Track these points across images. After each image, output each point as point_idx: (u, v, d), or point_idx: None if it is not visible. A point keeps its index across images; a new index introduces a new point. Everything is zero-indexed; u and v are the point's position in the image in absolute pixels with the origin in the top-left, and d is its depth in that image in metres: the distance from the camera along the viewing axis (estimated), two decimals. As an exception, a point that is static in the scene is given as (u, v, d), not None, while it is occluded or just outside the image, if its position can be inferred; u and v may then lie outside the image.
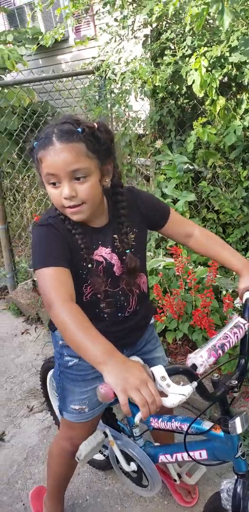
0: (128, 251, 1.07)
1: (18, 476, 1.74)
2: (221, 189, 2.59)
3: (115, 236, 1.07)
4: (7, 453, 1.86)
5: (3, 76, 4.21)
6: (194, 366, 0.89)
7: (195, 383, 0.86)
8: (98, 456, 1.62)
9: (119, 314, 1.12)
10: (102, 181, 1.01)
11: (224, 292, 2.16)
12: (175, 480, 1.40)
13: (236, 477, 1.01)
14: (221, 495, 1.04)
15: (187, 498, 1.53)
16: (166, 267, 2.32)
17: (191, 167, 2.67)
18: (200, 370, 0.88)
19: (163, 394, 0.80)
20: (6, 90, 3.42)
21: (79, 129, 0.94)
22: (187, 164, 2.60)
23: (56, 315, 0.90)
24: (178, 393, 0.81)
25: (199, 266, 2.38)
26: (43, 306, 2.73)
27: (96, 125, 0.97)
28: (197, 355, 0.89)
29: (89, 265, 1.03)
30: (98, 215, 1.06)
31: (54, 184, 0.96)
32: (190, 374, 0.88)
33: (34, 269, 0.98)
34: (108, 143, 0.99)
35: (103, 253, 1.06)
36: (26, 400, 2.15)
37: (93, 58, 2.80)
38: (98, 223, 1.07)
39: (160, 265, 2.33)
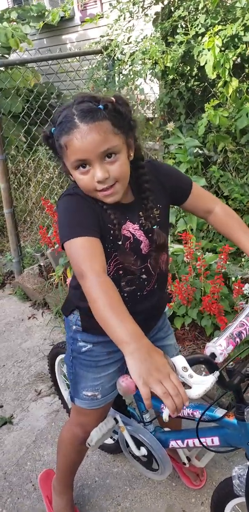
0: (154, 227, 1.04)
1: (27, 458, 1.76)
2: (231, 174, 2.54)
3: (140, 213, 1.03)
4: (15, 436, 1.87)
5: (7, 56, 4.11)
6: (213, 355, 0.88)
7: (217, 373, 0.85)
8: (108, 440, 1.63)
9: (139, 293, 1.08)
10: (129, 156, 0.97)
11: (233, 279, 2.14)
12: (184, 464, 1.40)
13: (248, 463, 1.00)
14: (233, 481, 1.04)
15: (195, 481, 1.54)
16: (175, 253, 2.30)
17: (200, 152, 2.62)
18: (220, 359, 0.87)
19: (185, 386, 0.78)
20: (10, 71, 3.35)
21: (101, 106, 0.90)
22: (197, 149, 2.55)
23: (88, 287, 0.85)
24: (201, 383, 0.79)
25: (207, 253, 2.36)
26: (50, 291, 2.72)
27: (114, 99, 0.93)
28: (215, 344, 0.88)
29: (119, 242, 0.99)
30: (124, 193, 1.01)
31: (84, 167, 0.91)
32: (209, 363, 0.87)
33: (63, 242, 0.93)
34: (129, 115, 0.95)
35: (130, 228, 1.02)
36: (34, 384, 2.15)
37: (102, 36, 2.72)
38: (125, 199, 1.02)
39: (169, 251, 2.30)
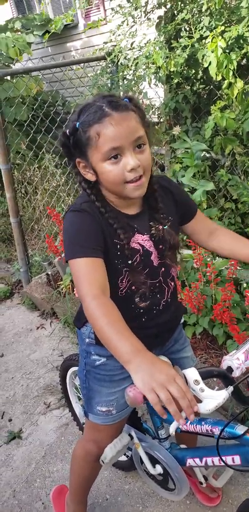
0: (165, 227, 1.02)
1: (37, 475, 1.72)
2: (240, 177, 2.49)
3: (151, 223, 1.02)
4: (24, 451, 1.84)
5: (12, 66, 4.13)
6: (230, 369, 0.84)
7: (231, 388, 0.81)
8: (121, 457, 1.58)
9: (154, 307, 1.07)
10: None
11: (244, 285, 2.08)
12: (201, 483, 1.34)
13: None
14: None
15: (211, 494, 1.49)
16: (184, 259, 2.25)
17: (208, 155, 2.57)
18: (236, 373, 0.83)
19: (196, 399, 0.75)
20: (13, 81, 3.36)
21: (127, 99, 0.93)
22: (204, 152, 2.50)
23: (88, 309, 0.86)
24: (213, 398, 0.75)
25: (218, 258, 2.31)
26: (58, 300, 2.70)
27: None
28: (233, 357, 0.84)
29: (129, 261, 0.97)
30: (133, 203, 1.01)
31: (115, 157, 0.91)
32: (225, 377, 0.83)
33: (66, 259, 0.94)
34: (145, 115, 0.98)
35: (140, 240, 1.00)
36: (43, 396, 2.12)
37: (105, 43, 2.70)
38: (133, 210, 1.02)
39: (177, 258, 2.26)
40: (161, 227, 1.02)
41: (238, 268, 2.02)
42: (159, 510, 1.52)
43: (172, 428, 0.73)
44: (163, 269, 1.05)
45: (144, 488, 1.59)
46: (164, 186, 1.08)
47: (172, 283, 1.09)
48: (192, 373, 0.77)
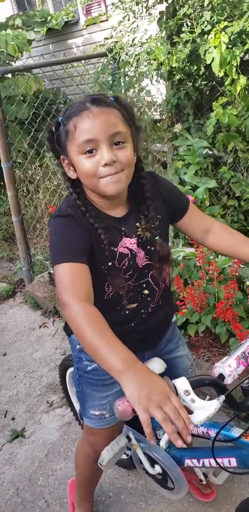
0: (157, 237, 1.00)
1: (40, 473, 1.73)
2: (242, 174, 2.47)
3: (137, 224, 0.99)
4: (27, 450, 1.84)
5: (13, 63, 4.11)
6: (222, 376, 0.81)
7: (222, 398, 0.78)
8: (122, 456, 1.58)
9: (143, 311, 1.04)
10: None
11: (247, 283, 2.07)
12: (201, 480, 1.35)
13: None
14: None
15: (205, 490, 1.48)
16: (186, 257, 2.24)
17: (210, 152, 2.55)
18: (228, 381, 0.81)
19: (187, 410, 0.73)
20: (13, 78, 3.34)
21: (112, 98, 0.92)
22: (206, 149, 2.48)
23: (71, 316, 0.82)
24: (204, 409, 0.73)
25: (220, 256, 2.29)
26: (60, 299, 2.70)
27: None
28: (224, 364, 0.82)
29: (110, 263, 0.95)
30: (119, 203, 0.99)
31: (90, 152, 0.89)
32: (217, 385, 0.81)
33: (52, 265, 0.92)
34: (134, 118, 0.96)
35: (128, 244, 0.98)
36: (45, 395, 2.13)
37: (106, 39, 2.68)
38: (120, 212, 0.99)
39: (179, 256, 2.25)
40: (147, 228, 0.99)
41: (241, 266, 2.00)
42: (162, 508, 1.51)
43: (162, 442, 0.72)
44: (152, 270, 1.02)
45: (147, 486, 1.59)
46: (153, 184, 1.04)
47: (163, 284, 1.06)
48: (182, 383, 0.75)
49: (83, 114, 0.88)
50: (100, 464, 1.16)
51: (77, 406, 1.78)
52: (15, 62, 4.17)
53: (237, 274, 1.97)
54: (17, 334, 2.66)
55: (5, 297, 3.07)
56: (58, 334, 2.56)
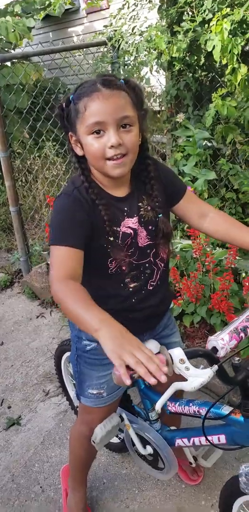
0: (160, 215, 1.03)
1: (35, 460, 1.75)
2: (241, 167, 2.46)
3: (140, 204, 1.03)
4: (23, 437, 1.86)
5: (11, 51, 4.06)
6: (215, 349, 0.85)
7: (215, 367, 0.82)
8: (114, 439, 1.62)
9: (144, 288, 1.08)
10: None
11: (243, 275, 2.08)
12: (191, 463, 1.38)
13: None
14: (240, 479, 1.02)
15: (192, 476, 1.53)
16: (183, 249, 2.24)
17: (209, 144, 2.54)
18: (221, 354, 0.85)
19: (182, 378, 0.77)
20: (12, 66, 3.31)
21: (122, 80, 0.94)
22: (205, 141, 2.47)
23: (55, 292, 0.89)
24: (197, 376, 0.76)
25: (218, 248, 2.30)
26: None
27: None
28: (217, 337, 0.85)
29: (112, 238, 0.98)
30: (122, 183, 1.02)
31: (98, 132, 0.92)
32: (210, 357, 0.84)
33: (49, 244, 0.96)
34: (143, 100, 0.98)
35: (130, 224, 1.01)
36: (42, 384, 2.14)
37: (105, 26, 2.65)
38: (122, 192, 1.02)
39: (177, 247, 2.25)
40: (150, 208, 1.03)
41: (237, 258, 2.01)
42: (154, 494, 1.54)
43: (158, 405, 0.75)
44: (153, 250, 1.06)
45: (140, 473, 1.61)
46: (153, 167, 1.07)
47: (162, 264, 1.10)
48: (177, 353, 0.79)
49: (94, 96, 0.90)
50: (93, 442, 1.19)
51: (72, 394, 1.80)
52: (14, 50, 4.13)
53: (233, 266, 1.97)
54: (14, 324, 2.67)
55: (3, 287, 3.08)
56: (56, 324, 2.58)
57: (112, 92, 0.90)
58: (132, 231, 1.01)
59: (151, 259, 1.06)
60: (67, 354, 1.69)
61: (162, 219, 1.03)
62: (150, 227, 1.04)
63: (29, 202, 3.63)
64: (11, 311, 2.81)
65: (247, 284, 1.82)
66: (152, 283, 1.09)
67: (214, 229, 1.11)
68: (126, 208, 1.01)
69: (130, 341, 0.75)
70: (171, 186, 1.10)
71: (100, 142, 0.92)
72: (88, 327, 0.80)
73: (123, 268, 1.02)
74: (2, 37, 3.77)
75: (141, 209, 1.03)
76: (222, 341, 0.84)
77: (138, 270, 1.05)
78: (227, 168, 2.34)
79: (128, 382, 0.72)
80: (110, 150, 0.92)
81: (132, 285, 1.05)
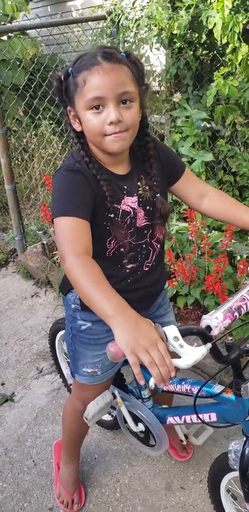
0: (158, 194, 1.02)
1: (28, 435, 1.77)
2: (240, 149, 2.44)
3: (139, 184, 1.01)
4: (16, 413, 1.88)
5: (8, 24, 3.95)
6: (209, 328, 0.85)
7: (209, 345, 0.82)
8: (106, 417, 1.64)
9: (140, 268, 1.07)
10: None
11: (238, 258, 2.08)
12: (182, 441, 1.41)
13: (244, 439, 1.01)
14: (229, 455, 1.05)
15: (182, 453, 1.56)
16: (179, 231, 2.23)
17: (208, 126, 2.51)
18: (215, 332, 0.84)
19: (176, 355, 0.77)
20: (8, 40, 3.22)
21: (123, 54, 0.90)
22: (204, 122, 2.44)
23: (69, 268, 0.84)
24: (191, 354, 0.77)
25: (213, 231, 2.29)
26: (53, 269, 2.70)
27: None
28: (212, 316, 0.85)
29: (113, 215, 0.97)
30: (122, 161, 1.00)
31: (97, 107, 0.89)
32: (204, 335, 0.84)
33: (52, 217, 0.92)
34: (144, 74, 0.95)
35: (129, 203, 1.00)
36: (35, 362, 2.15)
37: (105, 0, 2.57)
38: (122, 169, 1.01)
39: (172, 230, 2.24)
40: (148, 187, 1.02)
41: (233, 241, 2.00)
42: (145, 469, 1.57)
43: (151, 382, 0.75)
44: (150, 230, 1.05)
45: (131, 449, 1.64)
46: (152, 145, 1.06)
47: (158, 245, 1.09)
48: (171, 330, 0.79)
49: (94, 69, 0.87)
50: (86, 418, 1.21)
51: (65, 372, 1.82)
52: (11, 23, 4.01)
53: (228, 249, 1.97)
54: (9, 302, 2.67)
55: (-2, 266, 3.07)
56: (50, 304, 2.58)
57: (113, 66, 0.87)
58: (131, 210, 1.00)
59: (148, 240, 1.05)
60: (62, 332, 1.70)
61: (159, 198, 1.02)
62: (148, 207, 1.03)
63: (24, 181, 3.59)
64: (5, 290, 2.81)
65: (241, 267, 1.83)
66: (148, 264, 1.08)
67: (213, 210, 1.10)
68: (125, 187, 1.00)
69: (145, 335, 0.72)
70: (169, 165, 1.08)
71: (99, 118, 0.89)
72: (101, 312, 0.77)
73: (122, 249, 1.01)
74: (-1, 9, 3.65)
75: (140, 189, 1.01)
76: (216, 319, 0.84)
77: (135, 251, 1.04)
78: (225, 150, 2.32)
79: (143, 382, 0.72)
80: (110, 126, 0.89)
81: (129, 266, 1.04)
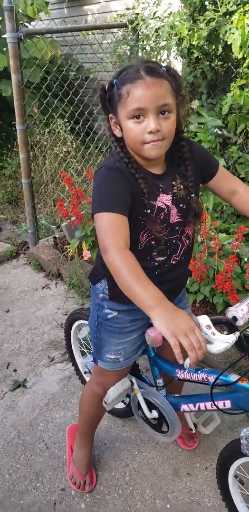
0: (193, 195, 1.10)
1: (40, 419, 1.83)
2: (250, 157, 2.53)
3: (173, 183, 1.09)
4: (29, 398, 1.94)
5: (27, 25, 4.05)
6: (234, 319, 0.94)
7: (237, 333, 0.91)
8: (119, 405, 1.69)
9: (167, 262, 1.15)
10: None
11: (245, 259, 2.18)
12: (191, 429, 1.47)
13: None
14: (241, 441, 1.10)
15: (189, 442, 1.63)
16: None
17: (220, 133, 2.61)
18: (240, 323, 0.94)
19: (207, 342, 0.85)
20: (33, 40, 3.30)
21: (164, 68, 0.99)
22: (216, 129, 2.54)
23: (111, 260, 0.94)
24: (222, 340, 0.85)
25: (220, 234, 2.38)
26: (64, 263, 2.77)
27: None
28: (238, 308, 0.94)
29: (149, 211, 1.05)
30: (159, 162, 1.08)
31: (138, 117, 0.98)
32: (231, 325, 0.93)
33: (93, 212, 1.01)
34: (181, 87, 1.04)
35: (164, 200, 1.08)
36: (47, 350, 2.22)
37: (128, 9, 2.68)
38: (158, 170, 1.09)
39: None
40: (182, 187, 1.09)
41: (242, 243, 2.10)
42: (153, 455, 1.64)
43: (187, 363, 0.83)
44: (181, 227, 1.12)
45: (140, 436, 1.71)
46: (188, 147, 1.12)
47: (187, 241, 1.16)
48: (204, 319, 0.89)
49: (137, 83, 0.96)
50: (105, 402, 1.28)
51: (79, 361, 1.88)
52: (34, 26, 4.11)
53: (237, 250, 2.06)
54: (20, 293, 2.74)
55: (9, 257, 3.14)
56: (61, 296, 2.65)
57: (154, 81, 0.95)
58: (165, 207, 1.07)
59: (178, 235, 1.13)
60: (78, 322, 1.76)
61: (194, 199, 1.10)
62: (181, 205, 1.10)
63: (37, 177, 3.67)
64: (17, 280, 2.87)
65: (250, 268, 1.92)
66: (176, 258, 1.15)
67: (241, 208, 1.19)
68: (161, 185, 1.07)
69: (183, 321, 0.81)
70: (204, 164, 1.15)
71: (139, 127, 0.97)
72: (141, 303, 0.86)
73: (152, 242, 1.08)
74: (19, 9, 3.74)
75: (174, 188, 1.08)
76: (242, 311, 0.93)
77: (165, 245, 1.11)
78: (236, 156, 2.42)
79: (182, 361, 0.80)
80: (149, 135, 0.97)
81: (157, 259, 1.11)
